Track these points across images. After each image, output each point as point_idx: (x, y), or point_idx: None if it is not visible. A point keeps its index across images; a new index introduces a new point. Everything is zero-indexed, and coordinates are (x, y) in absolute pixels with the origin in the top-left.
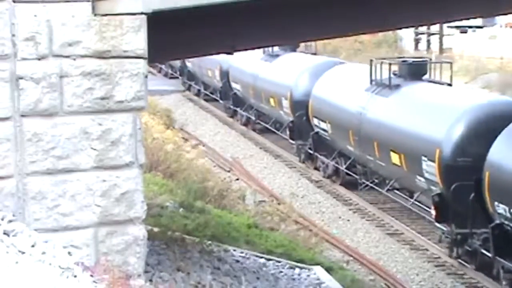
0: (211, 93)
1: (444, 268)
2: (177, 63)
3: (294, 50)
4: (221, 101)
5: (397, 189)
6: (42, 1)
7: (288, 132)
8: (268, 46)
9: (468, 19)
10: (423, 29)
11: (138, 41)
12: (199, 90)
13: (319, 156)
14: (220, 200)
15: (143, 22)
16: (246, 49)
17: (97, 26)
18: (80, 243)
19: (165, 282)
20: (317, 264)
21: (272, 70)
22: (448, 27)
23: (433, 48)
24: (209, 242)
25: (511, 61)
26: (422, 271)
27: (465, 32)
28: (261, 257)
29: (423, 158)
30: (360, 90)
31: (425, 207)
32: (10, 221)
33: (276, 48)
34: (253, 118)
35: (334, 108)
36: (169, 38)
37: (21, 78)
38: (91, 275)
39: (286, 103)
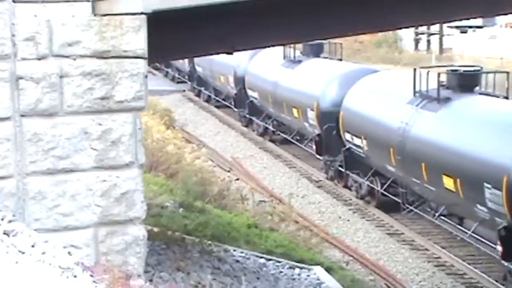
0: (224, 99)
1: (444, 268)
2: (185, 67)
3: (318, 56)
4: (235, 109)
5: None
6: (42, 1)
7: (314, 146)
8: (268, 46)
9: (468, 19)
10: (423, 29)
11: (138, 41)
12: (209, 96)
13: (351, 174)
14: (220, 200)
15: (143, 22)
16: (246, 49)
17: (97, 26)
18: (80, 243)
19: (165, 282)
20: (317, 264)
21: (294, 78)
22: (448, 27)
23: (433, 48)
24: (209, 242)
25: (511, 61)
26: (422, 271)
27: (465, 32)
28: (261, 257)
29: (486, 185)
30: (401, 103)
31: (482, 239)
32: (10, 221)
33: (297, 53)
34: (271, 128)
35: (371, 123)
36: (169, 38)
37: (21, 78)
38: (91, 275)
39: (311, 114)
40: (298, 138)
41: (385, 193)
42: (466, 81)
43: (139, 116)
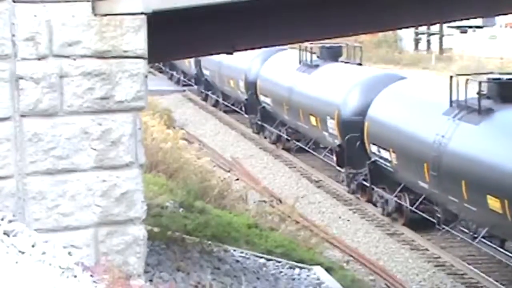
0: (233, 104)
1: (444, 268)
2: (191, 69)
3: (336, 60)
4: (246, 115)
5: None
6: (42, 1)
7: (334, 158)
8: (267, 46)
9: (468, 19)
10: (423, 29)
11: (138, 41)
12: (217, 101)
13: (376, 189)
14: (220, 200)
15: (143, 22)
16: (246, 49)
17: (97, 26)
18: (80, 243)
19: (165, 282)
20: (317, 264)
21: (312, 83)
22: (448, 27)
23: (433, 48)
24: (209, 242)
25: (511, 61)
26: (422, 271)
27: (465, 32)
28: (261, 257)
29: None
30: (436, 114)
31: None
32: (10, 221)
33: (315, 57)
34: (284, 136)
35: (401, 135)
36: (169, 38)
37: (21, 78)
38: (91, 275)
39: (332, 123)
40: (313, 147)
41: (415, 210)
42: (509, 91)
43: (139, 116)
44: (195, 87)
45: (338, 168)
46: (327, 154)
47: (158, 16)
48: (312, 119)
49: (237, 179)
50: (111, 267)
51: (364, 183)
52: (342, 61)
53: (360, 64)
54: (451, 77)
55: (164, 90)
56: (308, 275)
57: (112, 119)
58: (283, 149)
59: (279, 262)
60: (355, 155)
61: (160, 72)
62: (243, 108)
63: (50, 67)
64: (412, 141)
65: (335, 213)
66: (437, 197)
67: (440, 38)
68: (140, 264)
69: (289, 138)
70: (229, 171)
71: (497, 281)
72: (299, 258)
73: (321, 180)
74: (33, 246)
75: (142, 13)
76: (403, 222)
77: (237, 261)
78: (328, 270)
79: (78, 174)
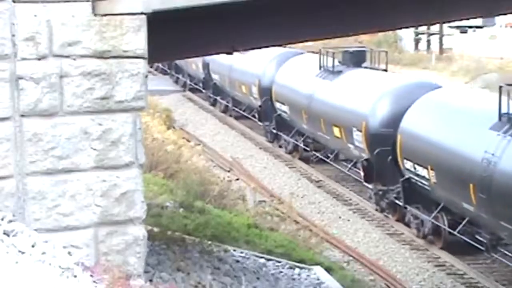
0: (244, 111)
1: (444, 268)
2: (199, 73)
3: (359, 65)
4: (259, 123)
5: None
6: (42, 1)
7: (362, 173)
8: (268, 46)
9: (468, 19)
10: (423, 29)
11: (138, 41)
12: (227, 107)
13: (409, 208)
14: (220, 200)
15: (143, 22)
16: (246, 49)
17: (97, 26)
18: (80, 243)
19: (165, 282)
20: (317, 264)
21: (334, 91)
22: (448, 27)
23: (433, 48)
24: (209, 242)
25: (511, 61)
26: (422, 271)
27: (465, 32)
28: (261, 257)
29: None
30: (482, 128)
31: None
32: (10, 221)
33: (336, 62)
34: (302, 145)
35: (441, 150)
36: (169, 38)
37: (21, 78)
38: (91, 275)
39: (358, 136)
40: (332, 157)
41: (456, 233)
42: None
43: (139, 116)
44: (203, 91)
45: (366, 184)
46: (351, 167)
47: (158, 16)
48: (335, 129)
49: (237, 179)
50: (111, 267)
51: (396, 201)
52: (366, 67)
53: (385, 70)
54: (500, 86)
55: (164, 90)
56: (308, 275)
57: (112, 119)
58: (299, 159)
59: (279, 262)
60: (385, 171)
61: (165, 74)
62: (256, 115)
63: (50, 67)
64: (455, 159)
65: (335, 213)
66: (485, 221)
67: (440, 38)
68: (140, 264)
69: (307, 148)
70: (229, 171)
71: (497, 281)
72: (299, 258)
73: (321, 180)
74: (33, 246)
75: (142, 13)
76: (440, 245)
77: (237, 261)
78: (328, 270)
79: (78, 174)
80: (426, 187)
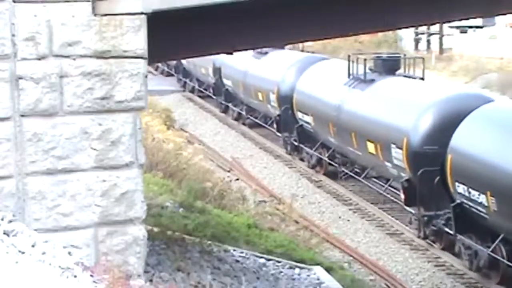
0: (256, 118)
1: (444, 268)
2: (209, 78)
3: (393, 73)
4: (278, 134)
5: None
6: (42, 1)
7: (402, 195)
8: (268, 46)
9: (468, 19)
10: (423, 29)
11: (138, 41)
12: (239, 114)
13: (460, 237)
14: (220, 200)
15: (143, 22)
16: (246, 49)
17: (97, 26)
18: (80, 243)
19: (165, 282)
20: (317, 264)
21: (367, 102)
22: (449, 27)
23: (433, 48)
24: (209, 242)
25: (511, 61)
26: (422, 271)
27: (465, 32)
28: (261, 257)
29: None
30: None
31: None
32: (10, 221)
33: (368, 70)
34: (327, 160)
35: (503, 174)
36: (169, 38)
37: (21, 78)
38: (91, 275)
39: (398, 153)
40: (357, 172)
41: None
42: None
43: (139, 116)
44: (214, 97)
45: (407, 208)
46: (388, 187)
47: (158, 16)
48: (370, 146)
49: (237, 179)
50: (111, 267)
51: (445, 229)
52: (401, 75)
53: (422, 79)
54: None
55: (164, 90)
56: (308, 275)
57: (112, 119)
58: (324, 174)
59: (279, 262)
60: (431, 194)
61: (169, 75)
62: (274, 125)
63: (50, 67)
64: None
65: (335, 213)
66: None
67: (440, 38)
68: (140, 264)
69: (332, 163)
70: (229, 171)
71: (497, 284)
72: (299, 258)
73: (321, 180)
74: (33, 246)
75: (142, 13)
76: (498, 279)
77: (237, 261)
78: (328, 270)
79: (78, 174)
80: (483, 214)
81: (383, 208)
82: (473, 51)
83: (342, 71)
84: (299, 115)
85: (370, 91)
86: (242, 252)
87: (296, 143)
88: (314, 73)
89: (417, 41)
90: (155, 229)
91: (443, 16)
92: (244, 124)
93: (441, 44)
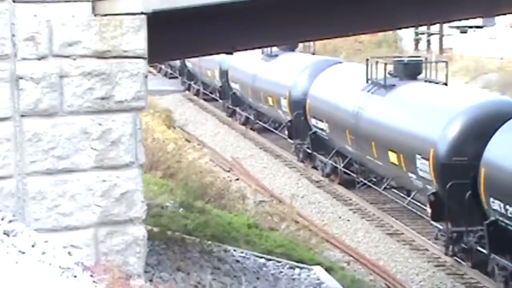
0: (266, 123)
1: (444, 268)
2: (215, 82)
3: (415, 78)
4: (290, 140)
5: None
6: (42, 1)
7: (429, 209)
8: (268, 46)
9: (468, 19)
10: (423, 29)
11: (138, 41)
12: (248, 119)
13: None
14: (220, 200)
15: (143, 22)
16: (246, 49)
17: (97, 26)
18: (80, 243)
19: (165, 282)
20: (317, 264)
21: (388, 109)
22: (449, 27)
23: (433, 48)
24: (209, 242)
25: (511, 61)
26: (422, 271)
27: (465, 32)
28: (261, 257)
29: None
30: None
31: None
32: (10, 221)
33: (387, 76)
34: (341, 167)
35: None
36: (169, 38)
37: (21, 78)
38: (91, 275)
39: (424, 165)
40: (373, 181)
41: None
42: None
43: (139, 116)
44: (220, 101)
45: (434, 223)
46: (421, 205)
47: (158, 16)
48: (392, 155)
49: (237, 179)
50: (111, 267)
51: (478, 247)
52: (423, 80)
53: (446, 84)
54: None
55: (164, 90)
56: (308, 275)
57: (112, 119)
58: (339, 183)
59: (279, 262)
60: (462, 209)
61: (172, 78)
62: (285, 131)
63: (50, 67)
64: None
65: (335, 213)
66: None
67: (440, 38)
68: (140, 264)
69: (349, 172)
70: (229, 171)
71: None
72: (299, 258)
73: (321, 180)
74: (33, 246)
75: (142, 13)
76: None
77: (237, 261)
78: (328, 270)
79: (78, 174)
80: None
81: (382, 208)
82: (473, 51)
83: (359, 76)
84: (313, 121)
85: (391, 97)
86: (242, 252)
87: (309, 151)
88: (328, 77)
89: (417, 41)
90: (155, 229)
91: (443, 16)
92: (252, 129)
93: (441, 44)
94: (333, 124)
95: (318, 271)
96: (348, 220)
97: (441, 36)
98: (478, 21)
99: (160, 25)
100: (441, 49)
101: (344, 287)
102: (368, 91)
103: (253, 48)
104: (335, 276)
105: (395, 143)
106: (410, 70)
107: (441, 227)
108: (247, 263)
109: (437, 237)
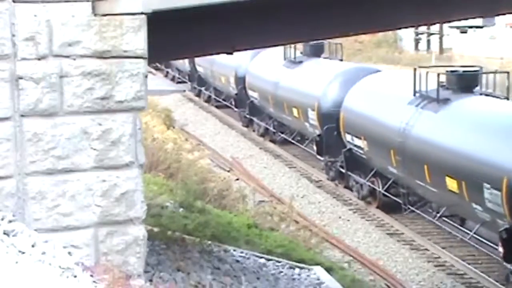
0: (290, 135)
1: (444, 268)
2: (230, 88)
3: (471, 91)
4: (319, 157)
5: None
6: (42, 1)
7: (501, 248)
8: (268, 46)
9: (468, 19)
10: (423, 29)
11: (138, 41)
12: (267, 129)
13: None
14: (220, 200)
15: (143, 22)
16: (246, 49)
17: (97, 26)
18: (80, 243)
19: (165, 282)
20: (317, 264)
21: (444, 127)
22: (449, 27)
23: (433, 48)
24: (209, 242)
25: (511, 61)
26: (422, 271)
27: (465, 32)
28: (261, 257)
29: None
30: None
31: None
32: (10, 221)
33: (434, 86)
34: (381, 190)
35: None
36: (169, 38)
37: (21, 78)
38: (91, 275)
39: (495, 196)
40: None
41: None
42: None
43: (139, 116)
44: (235, 110)
45: (507, 264)
46: (482, 239)
47: (158, 16)
48: (450, 182)
49: (237, 179)
50: (111, 267)
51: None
52: (479, 93)
53: (507, 98)
54: None
55: (164, 90)
56: (308, 275)
57: (112, 119)
58: (377, 207)
59: (279, 262)
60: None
61: (179, 82)
62: (314, 147)
63: (50, 67)
64: None
65: (335, 213)
66: None
67: (440, 38)
68: (140, 264)
69: (389, 195)
70: (229, 171)
71: (497, 281)
72: (299, 258)
73: (321, 180)
74: (33, 246)
75: (142, 13)
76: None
77: (237, 261)
78: (328, 270)
79: (78, 174)
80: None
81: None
82: (473, 51)
83: (404, 87)
84: (348, 137)
85: (446, 113)
86: (242, 252)
87: (342, 170)
88: (366, 87)
89: (417, 41)
90: (155, 229)
91: (443, 16)
92: (272, 141)
93: (441, 44)
94: (373, 142)
95: (318, 271)
96: (348, 220)
97: (441, 36)
98: (478, 21)
99: (160, 25)
100: (441, 49)
101: (344, 287)
102: (417, 105)
103: (253, 48)
104: (335, 276)
105: (455, 168)
106: (466, 82)
107: None
108: (247, 263)
109: (510, 279)
